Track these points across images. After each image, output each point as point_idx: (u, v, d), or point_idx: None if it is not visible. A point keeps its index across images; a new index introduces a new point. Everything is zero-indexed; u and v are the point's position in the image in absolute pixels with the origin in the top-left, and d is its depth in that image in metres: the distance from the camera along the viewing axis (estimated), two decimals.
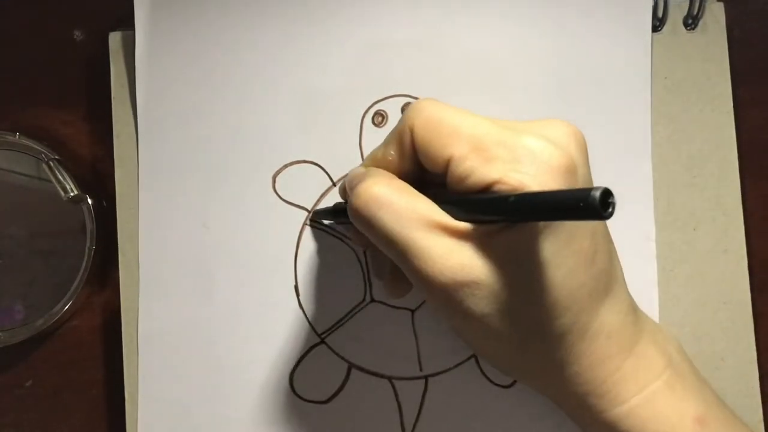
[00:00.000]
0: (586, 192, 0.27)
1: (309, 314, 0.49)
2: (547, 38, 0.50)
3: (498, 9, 0.50)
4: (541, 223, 0.34)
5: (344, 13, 0.50)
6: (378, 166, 0.41)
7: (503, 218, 0.34)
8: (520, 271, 0.34)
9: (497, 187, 0.34)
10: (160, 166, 0.51)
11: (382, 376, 0.49)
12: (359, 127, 0.50)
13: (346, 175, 0.43)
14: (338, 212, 0.46)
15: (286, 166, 0.50)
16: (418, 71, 0.50)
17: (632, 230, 0.48)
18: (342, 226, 0.50)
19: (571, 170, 0.34)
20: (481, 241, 0.35)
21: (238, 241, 0.50)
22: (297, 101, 0.50)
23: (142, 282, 0.50)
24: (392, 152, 0.40)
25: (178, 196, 0.51)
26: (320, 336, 0.49)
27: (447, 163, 0.36)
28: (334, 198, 0.50)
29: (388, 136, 0.40)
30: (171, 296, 0.50)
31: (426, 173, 0.39)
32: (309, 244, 0.50)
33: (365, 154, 0.49)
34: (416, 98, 0.50)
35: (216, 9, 0.51)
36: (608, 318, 0.37)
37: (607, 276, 0.37)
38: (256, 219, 0.50)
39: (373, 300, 0.49)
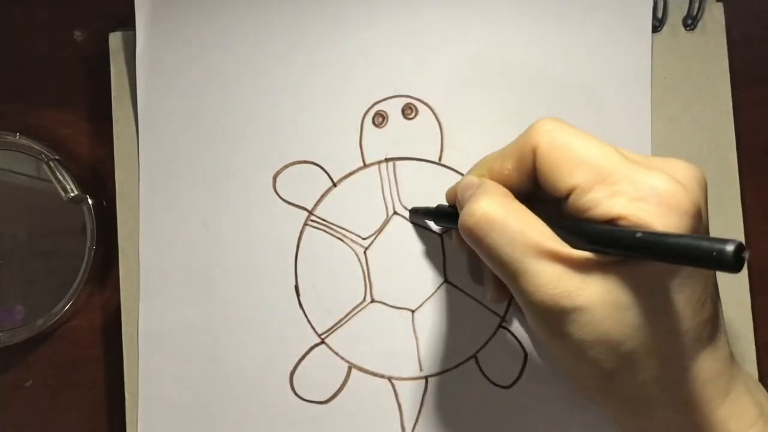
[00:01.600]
0: (721, 243, 0.27)
1: (309, 314, 0.49)
2: (548, 38, 0.50)
3: (498, 9, 0.50)
4: (659, 264, 0.34)
5: (345, 13, 0.50)
6: (492, 178, 0.40)
7: (625, 253, 0.33)
8: (628, 308, 0.34)
9: (619, 223, 0.34)
10: (161, 166, 0.51)
11: (382, 377, 0.49)
12: (359, 127, 0.50)
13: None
14: (440, 214, 0.47)
15: (286, 166, 0.50)
16: (418, 71, 0.50)
17: None
18: (423, 222, 0.50)
19: (696, 216, 0.34)
20: (592, 271, 0.35)
21: (239, 241, 0.50)
22: (298, 101, 0.50)
23: (142, 282, 0.50)
24: (509, 167, 0.39)
25: (178, 196, 0.51)
26: (320, 336, 0.49)
27: (569, 191, 0.36)
28: (334, 198, 0.50)
29: (506, 149, 0.40)
30: (171, 296, 0.50)
31: (539, 189, 0.39)
32: (309, 244, 0.50)
33: (366, 154, 0.50)
34: (417, 99, 0.50)
35: (216, 9, 0.51)
36: (706, 365, 0.37)
37: (712, 325, 0.37)
38: (256, 219, 0.50)
39: (373, 300, 0.49)
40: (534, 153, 0.38)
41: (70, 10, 0.55)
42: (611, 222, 0.34)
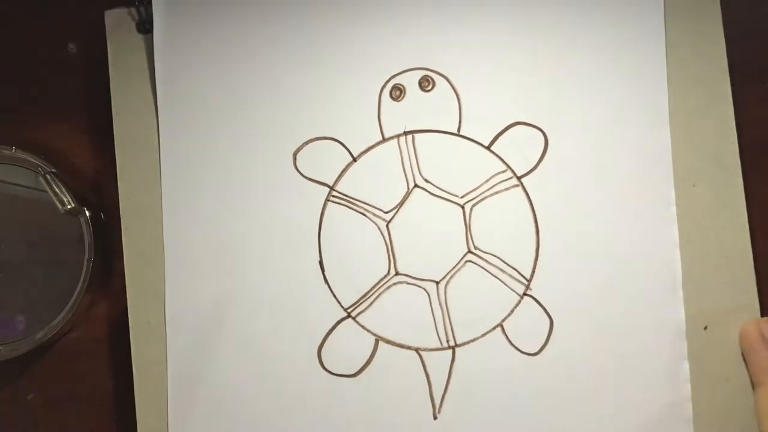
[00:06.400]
0: None
1: (334, 289, 0.49)
2: (565, 10, 0.51)
3: None
4: None
5: None
6: None
7: None
8: None
9: None
10: (181, 146, 0.51)
11: (409, 348, 0.49)
12: (377, 102, 0.51)
13: None
14: None
15: (306, 143, 0.51)
16: (434, 43, 0.51)
17: (652, 196, 0.50)
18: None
19: None
20: None
21: (262, 220, 0.50)
22: (313, 78, 0.51)
23: (167, 261, 0.50)
24: None
25: (200, 176, 0.51)
26: (346, 310, 0.49)
27: None
28: (355, 173, 0.50)
29: None
30: (196, 275, 0.50)
31: None
32: (332, 219, 0.50)
33: (384, 128, 0.51)
34: (433, 71, 0.51)
35: None
36: None
37: None
38: (278, 196, 0.50)
39: (397, 273, 0.49)
40: None
41: (65, 24, 0.55)
42: None
